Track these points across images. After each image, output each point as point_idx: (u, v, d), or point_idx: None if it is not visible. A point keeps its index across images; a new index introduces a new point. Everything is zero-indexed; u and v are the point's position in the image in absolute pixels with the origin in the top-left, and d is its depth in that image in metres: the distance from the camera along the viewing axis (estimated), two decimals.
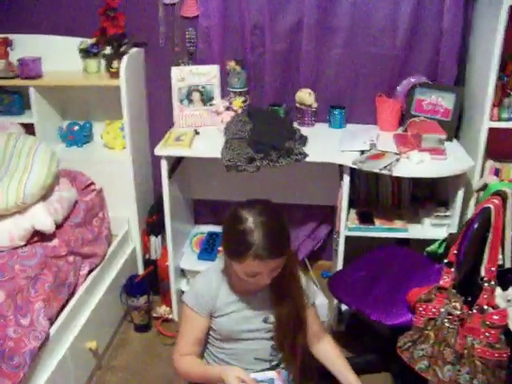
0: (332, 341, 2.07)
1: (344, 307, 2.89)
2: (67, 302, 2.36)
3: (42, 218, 2.34)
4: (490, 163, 2.73)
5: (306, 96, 2.81)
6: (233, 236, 1.75)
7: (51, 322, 2.19)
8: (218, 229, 3.19)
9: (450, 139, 2.69)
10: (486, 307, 2.05)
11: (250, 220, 1.70)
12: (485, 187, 2.27)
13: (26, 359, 1.96)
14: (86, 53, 2.88)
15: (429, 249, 2.52)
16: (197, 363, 1.96)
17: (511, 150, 2.84)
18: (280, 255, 1.72)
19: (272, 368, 1.98)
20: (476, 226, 2.05)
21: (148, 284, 2.88)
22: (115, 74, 2.73)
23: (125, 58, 2.69)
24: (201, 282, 1.93)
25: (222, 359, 1.98)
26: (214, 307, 1.89)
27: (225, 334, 1.94)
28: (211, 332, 1.98)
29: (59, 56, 2.93)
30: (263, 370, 1.97)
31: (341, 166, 2.62)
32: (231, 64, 2.82)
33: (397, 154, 2.53)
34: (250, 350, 1.95)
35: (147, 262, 3.07)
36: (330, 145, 2.68)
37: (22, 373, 1.93)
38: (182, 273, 3.03)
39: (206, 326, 1.92)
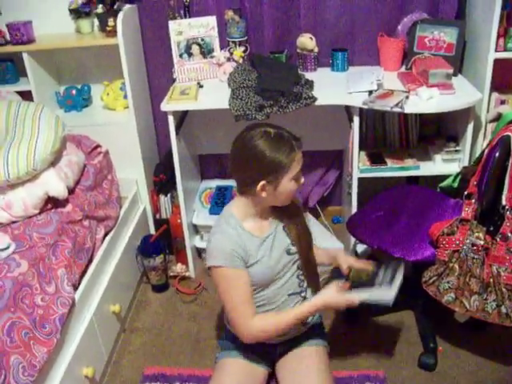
0: None
1: (360, 250, 2.91)
2: (87, 266, 2.34)
3: (55, 183, 2.29)
4: (495, 95, 2.72)
5: (307, 41, 2.76)
6: (271, 150, 1.79)
7: (74, 288, 2.16)
8: (225, 182, 3.20)
9: (455, 74, 2.67)
10: (509, 235, 2.07)
11: (272, 127, 1.86)
12: (498, 117, 2.27)
13: (57, 326, 1.95)
14: (78, 13, 2.79)
15: (443, 184, 2.52)
16: (274, 318, 1.94)
17: None
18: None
19: (303, 300, 2.02)
20: (497, 154, 2.05)
21: (163, 243, 2.86)
22: (111, 33, 2.66)
23: (120, 15, 2.61)
24: (221, 240, 1.89)
25: (258, 306, 1.98)
26: (246, 255, 1.88)
27: (260, 282, 1.94)
28: None
29: (49, 19, 2.86)
30: (296, 304, 2.01)
31: (348, 108, 2.60)
32: (229, 13, 2.75)
33: (405, 91, 2.51)
34: (283, 288, 1.99)
35: (158, 222, 3.06)
36: (335, 88, 2.65)
37: (55, 339, 1.92)
38: (195, 229, 3.02)
39: (249, 278, 1.90)
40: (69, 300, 2.05)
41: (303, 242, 2.01)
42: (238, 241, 1.87)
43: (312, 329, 2.12)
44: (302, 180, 1.91)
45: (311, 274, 2.07)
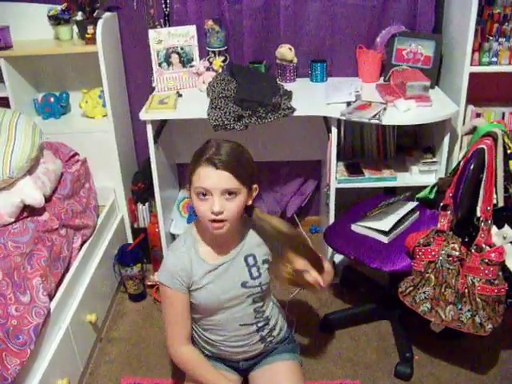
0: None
1: (337, 259, 2.93)
2: (63, 276, 2.32)
3: (31, 191, 2.27)
4: (470, 108, 2.76)
5: (286, 51, 2.77)
6: (194, 154, 1.81)
7: (50, 298, 2.14)
8: None
9: (432, 86, 2.71)
10: (483, 246, 2.11)
11: (214, 141, 1.80)
12: (473, 130, 2.30)
13: (31, 336, 1.92)
14: (57, 20, 2.77)
15: (419, 195, 2.54)
16: (201, 363, 1.97)
17: (491, 94, 2.89)
18: (231, 171, 1.72)
19: (259, 329, 2.01)
20: (471, 166, 2.09)
21: (141, 252, 2.85)
22: (91, 40, 2.65)
23: (100, 23, 2.61)
24: (171, 260, 1.92)
25: (207, 330, 2.01)
26: (190, 280, 1.89)
27: (205, 308, 1.94)
28: (192, 308, 1.97)
29: (27, 24, 2.84)
30: (251, 334, 2.01)
31: (327, 119, 2.62)
32: (209, 23, 2.76)
33: (383, 103, 2.54)
34: (234, 318, 1.97)
35: (136, 231, 3.04)
36: (314, 99, 2.67)
37: (28, 350, 1.89)
38: (173, 238, 3.00)
39: (188, 301, 1.92)
40: (44, 310, 2.02)
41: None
42: (185, 263, 1.88)
43: (282, 343, 2.11)
44: (215, 209, 1.72)
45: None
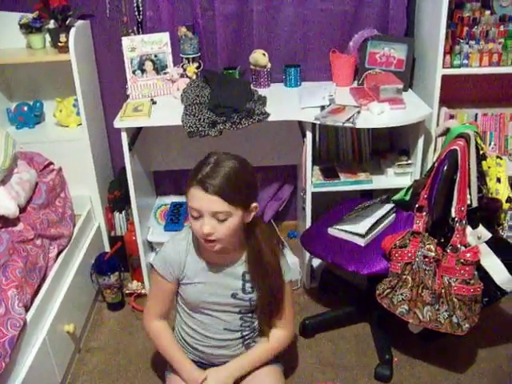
0: (281, 338, 2.07)
1: (315, 263, 2.94)
2: (39, 286, 2.29)
3: (5, 202, 2.24)
4: (444, 110, 2.79)
5: (260, 57, 2.78)
6: (193, 168, 1.80)
7: (26, 309, 2.11)
8: (180, 199, 3.17)
9: (405, 89, 2.74)
10: (459, 246, 2.13)
11: (215, 157, 1.78)
12: (446, 132, 2.33)
13: (6, 349, 1.88)
14: (28, 28, 2.74)
15: (395, 197, 2.56)
16: (167, 339, 2.06)
17: (463, 96, 2.93)
18: (221, 196, 1.70)
19: (244, 337, 2.03)
20: (445, 168, 2.11)
21: (118, 261, 2.83)
22: (63, 49, 2.62)
23: (72, 31, 2.58)
24: (169, 248, 1.97)
25: (191, 327, 2.03)
26: (181, 273, 1.92)
27: (192, 304, 1.96)
28: (180, 299, 2.01)
29: None
30: (233, 340, 2.02)
31: (301, 123, 2.63)
32: (182, 30, 2.75)
33: (357, 106, 2.56)
34: (219, 321, 1.99)
35: (113, 239, 3.02)
36: (288, 103, 2.67)
37: (3, 363, 1.85)
38: (150, 246, 2.99)
39: (172, 290, 1.99)
40: (20, 321, 1.99)
41: (266, 299, 1.95)
42: (181, 257, 1.92)
43: None
44: (205, 230, 1.74)
45: (266, 325, 2.04)
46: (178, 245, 1.95)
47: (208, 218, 1.73)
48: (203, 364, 2.07)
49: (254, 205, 1.83)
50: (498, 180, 2.26)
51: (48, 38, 2.81)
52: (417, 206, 2.23)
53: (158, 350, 2.12)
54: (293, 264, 2.93)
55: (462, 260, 2.10)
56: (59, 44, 2.66)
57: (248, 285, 1.94)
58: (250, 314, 2.01)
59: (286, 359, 2.25)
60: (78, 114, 2.83)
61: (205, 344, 2.02)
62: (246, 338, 2.04)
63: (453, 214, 2.14)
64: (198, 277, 1.92)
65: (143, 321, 2.11)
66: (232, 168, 1.75)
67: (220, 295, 1.93)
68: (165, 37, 2.74)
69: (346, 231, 2.43)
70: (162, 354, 2.07)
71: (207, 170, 1.73)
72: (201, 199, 1.72)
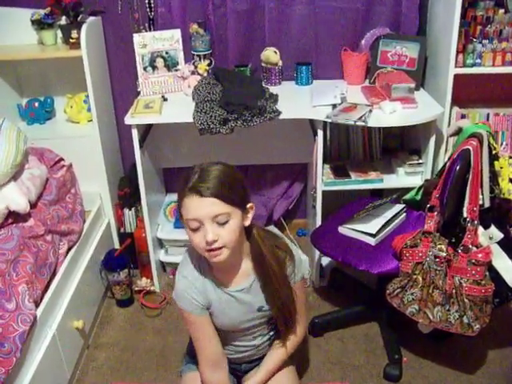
0: (296, 338, 2.05)
1: (325, 262, 2.93)
2: (49, 282, 2.29)
3: (16, 197, 2.25)
4: (456, 109, 2.78)
5: (272, 54, 2.77)
6: (179, 180, 1.72)
7: (36, 304, 2.11)
8: None
9: (417, 88, 2.72)
10: (470, 246, 2.11)
11: (199, 166, 1.71)
12: (459, 131, 2.31)
13: (17, 344, 1.89)
14: (40, 24, 2.74)
15: (406, 197, 2.55)
16: None
17: (475, 96, 2.91)
18: (218, 196, 1.64)
19: (271, 337, 2.03)
20: (458, 167, 2.09)
21: (127, 258, 2.83)
22: (75, 45, 2.62)
23: (84, 27, 2.59)
24: (184, 284, 1.85)
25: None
26: (207, 302, 1.85)
27: (223, 329, 1.93)
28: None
29: (11, 29, 2.80)
30: (262, 343, 2.02)
31: (312, 121, 2.62)
32: (194, 27, 2.75)
33: (368, 105, 2.55)
34: (248, 334, 1.98)
35: (123, 236, 3.02)
36: (300, 102, 2.67)
37: (14, 358, 1.86)
38: (160, 243, 2.99)
39: (209, 322, 1.88)
40: (30, 317, 2.00)
41: (276, 306, 1.90)
42: (199, 288, 1.83)
43: None
44: (209, 238, 1.65)
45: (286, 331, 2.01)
46: (192, 276, 1.85)
47: (209, 224, 1.65)
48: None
49: (250, 205, 1.79)
50: (511, 180, 2.24)
51: (60, 34, 2.81)
52: (428, 205, 2.22)
53: None
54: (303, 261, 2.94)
55: (473, 260, 2.08)
56: (71, 40, 2.66)
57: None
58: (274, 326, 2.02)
59: (294, 358, 2.24)
60: (88, 110, 2.83)
61: (234, 350, 2.02)
62: (273, 336, 2.05)
63: (464, 214, 2.12)
64: (222, 306, 1.87)
65: (201, 376, 1.93)
66: (220, 170, 1.69)
67: (248, 312, 1.90)
68: (176, 34, 2.74)
69: (356, 230, 2.42)
70: None
71: (196, 177, 1.66)
72: (198, 206, 1.64)
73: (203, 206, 1.64)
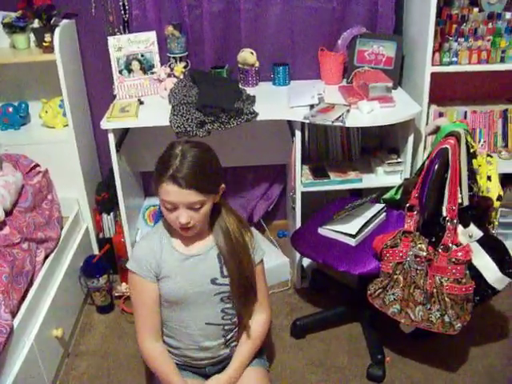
0: (261, 321, 2.07)
1: (306, 263, 2.92)
2: (26, 291, 2.25)
3: None
4: (433, 108, 2.79)
5: (248, 55, 2.76)
6: (159, 160, 1.82)
7: (13, 315, 2.07)
8: None
9: (395, 87, 2.72)
10: (450, 245, 2.12)
11: (179, 148, 1.79)
12: (437, 130, 2.31)
13: None
14: (12, 27, 2.68)
15: (385, 196, 2.55)
16: (164, 365, 1.97)
17: (452, 94, 2.93)
18: (196, 188, 1.75)
19: (225, 333, 2.00)
20: (436, 166, 2.09)
21: (107, 263, 2.80)
22: (48, 49, 2.58)
23: (57, 31, 2.54)
24: (142, 245, 1.96)
25: (172, 327, 1.99)
26: (158, 268, 1.90)
27: (172, 300, 1.92)
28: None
29: None
30: (215, 335, 1.99)
31: (290, 122, 2.61)
32: (169, 29, 2.72)
33: (346, 105, 2.54)
34: (200, 316, 1.95)
35: (102, 241, 2.98)
36: (277, 102, 2.65)
37: None
38: None
39: (156, 291, 1.93)
40: (6, 328, 1.95)
41: (238, 282, 1.92)
42: (155, 251, 1.91)
43: None
44: (182, 221, 1.78)
45: (244, 312, 2.01)
46: (151, 241, 1.94)
47: (183, 209, 1.78)
48: (190, 367, 2.06)
49: (222, 186, 1.89)
50: (489, 178, 2.25)
51: (32, 37, 2.75)
52: (408, 205, 2.22)
53: (156, 373, 2.02)
54: (283, 264, 2.93)
55: (453, 259, 2.08)
56: (44, 44, 2.61)
57: (225, 267, 1.92)
58: (229, 305, 1.97)
59: (276, 360, 2.23)
60: (64, 114, 2.78)
61: (189, 347, 1.99)
62: (228, 333, 2.01)
63: (444, 213, 2.13)
64: (176, 270, 1.90)
65: (139, 345, 2.00)
66: (199, 158, 1.79)
67: (200, 284, 1.91)
68: (151, 36, 2.71)
69: (336, 231, 2.42)
70: (159, 377, 1.99)
71: (176, 163, 1.75)
72: (176, 194, 1.75)
73: (180, 196, 1.75)
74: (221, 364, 2.06)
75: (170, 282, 1.90)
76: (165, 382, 1.97)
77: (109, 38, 2.67)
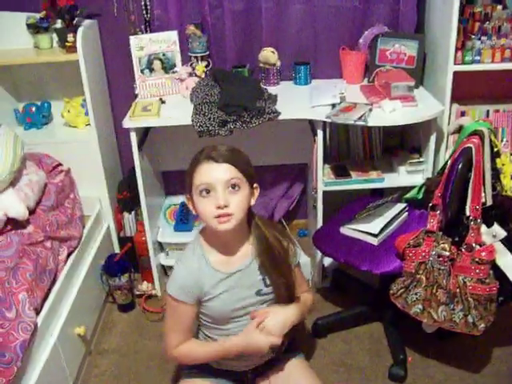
0: (308, 294, 2.07)
1: (327, 263, 2.91)
2: (49, 289, 2.27)
3: (14, 204, 2.23)
4: (455, 107, 2.76)
5: (270, 55, 2.75)
6: (192, 160, 1.81)
7: (37, 312, 2.09)
8: None
9: (416, 86, 2.71)
10: (473, 245, 2.10)
11: (210, 145, 1.81)
12: (460, 129, 2.30)
13: (18, 353, 1.86)
14: (36, 28, 2.72)
15: (407, 196, 2.54)
16: (200, 346, 1.95)
17: (474, 93, 2.89)
18: (232, 163, 1.74)
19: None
20: (460, 166, 2.08)
21: (128, 262, 2.81)
22: (71, 49, 2.60)
23: (80, 31, 2.57)
24: (182, 271, 1.88)
25: (214, 339, 1.97)
26: (201, 292, 1.85)
27: (220, 317, 1.90)
28: (202, 316, 1.94)
29: (5, 33, 2.78)
30: None
31: (312, 122, 2.60)
32: (191, 28, 2.72)
33: (368, 104, 2.53)
34: (246, 325, 1.91)
35: (123, 240, 3.00)
36: (299, 102, 2.64)
37: (15, 367, 1.83)
38: (160, 246, 2.97)
39: (194, 313, 1.89)
40: (31, 325, 1.97)
41: (282, 287, 1.90)
42: (196, 276, 1.84)
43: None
44: (221, 201, 1.71)
45: None
46: (189, 265, 1.87)
47: (222, 189, 1.72)
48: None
49: (256, 185, 1.87)
50: None
51: (55, 37, 2.78)
52: (431, 204, 2.20)
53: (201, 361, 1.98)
54: (304, 264, 2.90)
55: (477, 259, 2.06)
56: (67, 44, 2.64)
57: (267, 276, 1.89)
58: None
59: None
60: (86, 114, 2.81)
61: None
62: None
63: (467, 213, 2.11)
64: (219, 288, 1.85)
65: (167, 356, 1.96)
66: (231, 147, 1.81)
67: (246, 297, 1.88)
68: (173, 35, 2.72)
69: (358, 230, 2.41)
70: (204, 361, 1.98)
71: (209, 149, 1.77)
72: (213, 170, 1.73)
73: (218, 171, 1.73)
74: (265, 366, 2.03)
75: (215, 302, 1.86)
76: (211, 359, 1.95)
77: (130, 37, 2.68)
